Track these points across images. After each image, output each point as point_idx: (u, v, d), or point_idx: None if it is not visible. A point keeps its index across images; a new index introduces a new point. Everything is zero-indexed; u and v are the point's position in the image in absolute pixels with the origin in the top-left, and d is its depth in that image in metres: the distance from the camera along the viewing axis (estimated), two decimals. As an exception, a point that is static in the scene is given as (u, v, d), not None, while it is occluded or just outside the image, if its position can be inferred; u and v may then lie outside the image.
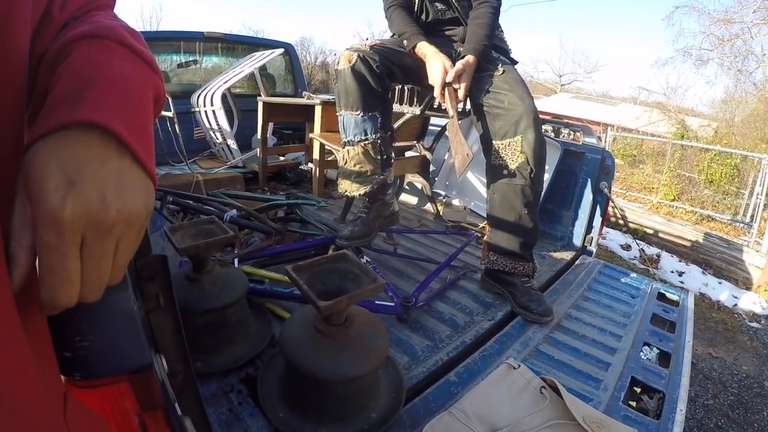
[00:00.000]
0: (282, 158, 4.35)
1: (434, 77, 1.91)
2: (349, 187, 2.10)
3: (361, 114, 2.01)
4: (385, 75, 2.03)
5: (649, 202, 10.11)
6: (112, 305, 0.55)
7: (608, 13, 61.12)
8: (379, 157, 2.09)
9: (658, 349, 1.88)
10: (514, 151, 1.88)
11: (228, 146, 4.12)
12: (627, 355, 1.77)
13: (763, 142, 11.05)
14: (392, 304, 1.72)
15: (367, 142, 2.04)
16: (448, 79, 1.88)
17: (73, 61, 0.50)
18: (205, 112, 4.08)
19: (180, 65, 5.21)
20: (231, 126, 4.19)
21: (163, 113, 3.34)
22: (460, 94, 1.92)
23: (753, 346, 4.54)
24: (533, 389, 1.43)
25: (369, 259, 2.07)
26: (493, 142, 1.94)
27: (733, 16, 14.36)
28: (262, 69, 4.61)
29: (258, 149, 3.88)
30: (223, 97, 3.99)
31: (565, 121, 3.54)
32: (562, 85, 32.28)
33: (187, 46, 5.15)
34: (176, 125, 3.55)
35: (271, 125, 4.29)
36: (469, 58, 1.93)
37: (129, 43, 0.54)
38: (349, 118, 2.03)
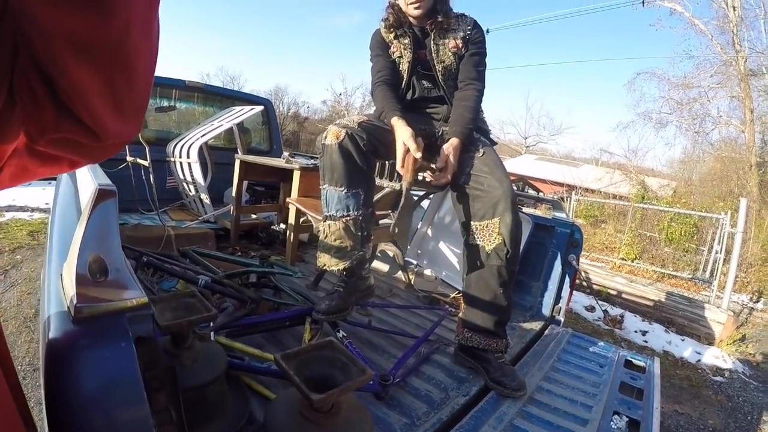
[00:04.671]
0: (254, 216, 4.34)
1: (396, 148, 1.98)
2: (328, 262, 2.13)
3: (345, 190, 2.05)
4: (371, 153, 2.10)
5: (611, 262, 10.34)
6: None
7: (574, 79, 63.88)
8: (359, 233, 2.12)
9: (627, 417, 1.92)
10: (491, 233, 1.94)
11: (201, 200, 4.08)
12: (598, 426, 1.81)
13: (720, 200, 11.51)
14: (371, 382, 1.72)
15: (348, 218, 2.08)
16: (413, 152, 1.94)
17: None
18: (180, 163, 4.04)
19: (159, 109, 5.18)
20: (204, 179, 4.16)
21: (139, 161, 3.32)
22: (443, 175, 2.00)
23: (718, 399, 4.62)
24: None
25: (345, 333, 2.08)
26: (471, 222, 2.00)
27: (691, 81, 15.26)
28: (240, 123, 4.64)
29: (231, 206, 3.87)
30: (199, 149, 3.96)
31: (537, 196, 3.67)
32: (527, 146, 33.32)
33: (168, 92, 5.13)
34: (151, 175, 3.54)
35: (245, 182, 4.29)
36: (456, 141, 2.01)
37: None
38: (333, 193, 2.07)
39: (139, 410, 0.56)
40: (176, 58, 56.30)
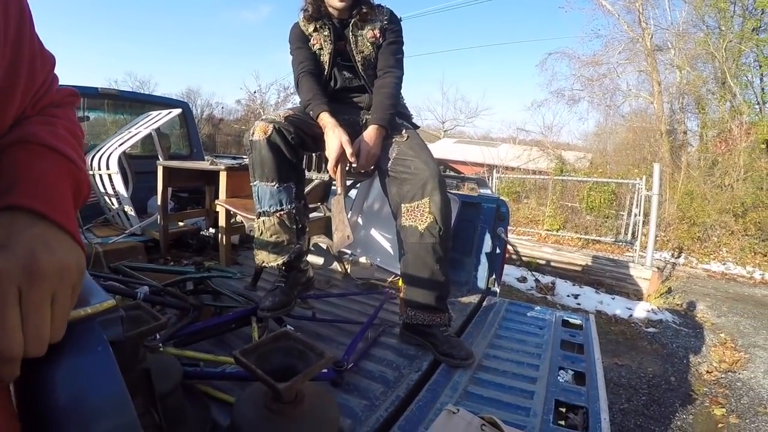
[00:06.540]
0: (181, 224, 4.23)
1: (329, 152, 2.01)
2: (266, 258, 2.14)
3: (277, 185, 2.06)
4: (299, 145, 2.11)
5: (537, 234, 10.73)
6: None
7: (487, 62, 65.53)
8: (294, 226, 2.15)
9: (572, 370, 2.05)
10: (422, 213, 1.99)
11: (125, 212, 3.93)
12: (547, 381, 1.92)
13: (635, 167, 12.16)
14: (325, 370, 1.74)
15: (282, 212, 2.09)
16: (348, 155, 1.99)
17: (6, 164, 0.61)
18: (100, 175, 3.88)
19: None
20: (126, 190, 3.98)
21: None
22: (367, 162, 2.05)
23: (653, 348, 4.96)
24: (475, 428, 1.51)
25: (291, 328, 2.09)
26: (402, 205, 2.05)
27: (601, 58, 16.14)
28: (157, 128, 4.52)
29: (157, 215, 3.75)
30: (118, 159, 3.81)
31: (462, 176, 3.78)
32: (445, 130, 33.95)
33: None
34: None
35: (169, 189, 4.16)
36: (375, 128, 2.06)
37: (49, 144, 0.66)
38: (264, 189, 2.07)
39: (126, 416, 0.55)
40: (80, 65, 53.83)
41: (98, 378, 0.56)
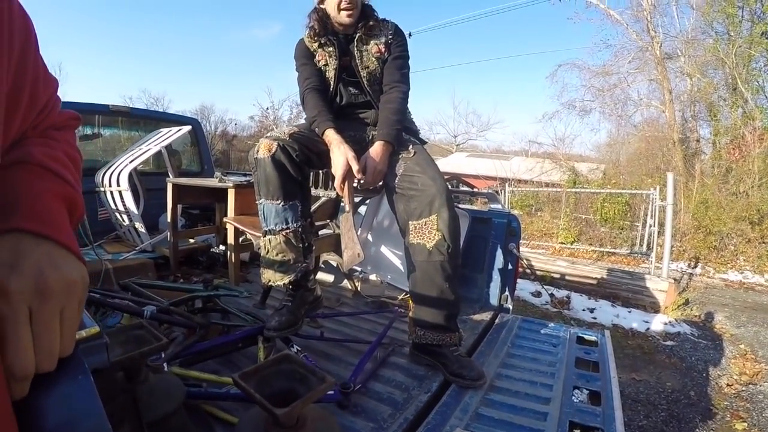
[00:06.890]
0: (191, 241, 4.24)
1: (335, 170, 1.98)
2: (272, 277, 2.11)
3: (282, 203, 2.04)
4: (304, 163, 2.09)
5: (551, 248, 10.66)
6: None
7: (498, 75, 65.87)
8: (301, 245, 2.12)
9: (587, 390, 1.98)
10: (430, 230, 1.96)
11: (136, 229, 3.94)
12: (561, 402, 1.85)
13: (648, 177, 12.10)
14: (331, 392, 1.71)
15: (288, 230, 2.07)
16: (355, 172, 1.96)
17: (5, 184, 0.62)
18: (111, 192, 3.89)
19: (83, 137, 4.91)
20: (137, 206, 4.00)
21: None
22: (374, 179, 2.03)
23: (672, 362, 4.85)
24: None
25: (299, 348, 2.07)
26: (410, 222, 2.02)
27: (611, 68, 16.16)
28: (168, 145, 4.53)
29: (168, 232, 3.74)
30: (129, 176, 3.83)
31: (472, 190, 3.74)
32: (457, 144, 34.08)
33: (91, 118, 4.89)
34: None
35: (179, 206, 4.15)
36: (381, 144, 2.04)
37: (47, 165, 0.67)
38: (270, 207, 2.05)
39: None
40: (95, 83, 54.53)
41: (78, 408, 0.55)
